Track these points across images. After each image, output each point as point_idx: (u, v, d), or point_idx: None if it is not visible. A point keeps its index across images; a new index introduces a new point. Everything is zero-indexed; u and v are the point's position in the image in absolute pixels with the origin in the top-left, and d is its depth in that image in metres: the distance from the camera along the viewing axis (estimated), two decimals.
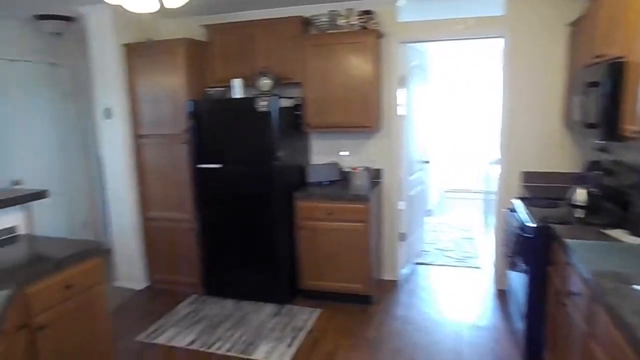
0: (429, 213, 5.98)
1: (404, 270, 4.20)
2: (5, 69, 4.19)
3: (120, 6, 2.07)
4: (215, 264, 3.76)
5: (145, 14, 3.45)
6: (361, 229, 3.48)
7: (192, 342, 3.08)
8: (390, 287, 3.93)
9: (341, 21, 3.60)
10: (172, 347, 3.02)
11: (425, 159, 4.85)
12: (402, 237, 4.11)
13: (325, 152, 4.07)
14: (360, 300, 3.59)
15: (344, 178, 3.92)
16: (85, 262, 2.22)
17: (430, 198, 6.13)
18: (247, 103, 3.45)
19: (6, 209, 2.50)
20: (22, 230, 2.60)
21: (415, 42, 3.91)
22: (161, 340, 3.12)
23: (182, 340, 3.11)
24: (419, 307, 3.56)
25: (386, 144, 3.91)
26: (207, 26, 3.87)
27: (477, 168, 6.82)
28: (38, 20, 3.97)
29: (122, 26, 3.75)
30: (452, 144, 7.18)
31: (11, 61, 4.24)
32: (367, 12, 3.56)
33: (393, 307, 3.57)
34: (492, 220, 4.19)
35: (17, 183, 4.22)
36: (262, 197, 3.52)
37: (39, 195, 2.65)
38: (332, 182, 3.87)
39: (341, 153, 4.01)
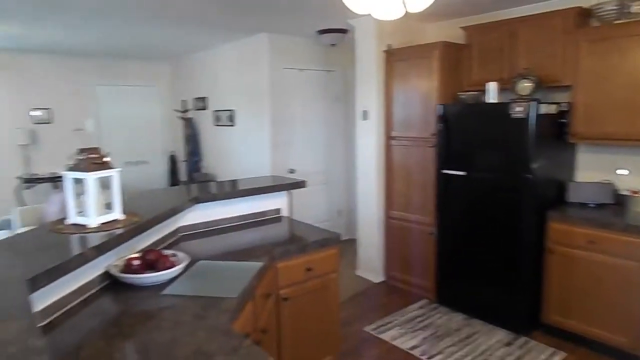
0: None
1: None
2: (295, 77, 5.06)
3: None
4: (450, 273, 3.63)
5: (406, 20, 3.57)
6: (636, 269, 2.76)
7: (414, 347, 3.07)
8: None
9: (637, 7, 2.90)
10: (393, 347, 3.09)
11: None
12: None
13: (595, 169, 3.38)
14: (623, 358, 2.87)
15: (618, 202, 3.18)
16: (325, 250, 2.48)
17: None
18: (500, 108, 3.19)
19: (275, 193, 3.02)
20: (284, 213, 3.09)
21: None
22: (385, 336, 3.22)
23: (405, 342, 3.13)
24: None
25: None
26: (466, 27, 3.74)
27: None
28: (319, 35, 4.62)
29: (385, 33, 3.99)
30: None
31: (300, 70, 5.09)
32: None
33: None
34: None
35: (291, 171, 5.07)
36: (509, 212, 3.20)
37: (299, 184, 3.09)
38: (600, 205, 3.19)
39: (618, 171, 3.27)
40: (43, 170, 6.07)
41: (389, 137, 4.10)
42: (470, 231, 3.45)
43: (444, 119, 3.52)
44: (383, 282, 4.27)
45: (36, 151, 6.08)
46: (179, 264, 1.90)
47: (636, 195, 3.00)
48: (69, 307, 1.60)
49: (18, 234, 1.87)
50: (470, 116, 3.41)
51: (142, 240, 2.11)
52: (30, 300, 1.17)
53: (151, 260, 1.89)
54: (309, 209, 5.15)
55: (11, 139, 5.81)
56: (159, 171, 7.03)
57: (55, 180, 6.00)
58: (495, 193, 3.27)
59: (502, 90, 3.39)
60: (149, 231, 2.10)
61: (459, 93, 3.69)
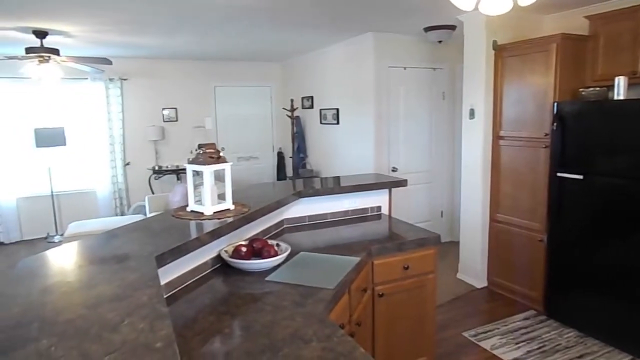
0: None
1: None
2: (400, 75, 5.04)
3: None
4: (562, 285, 3.35)
5: (519, 12, 3.37)
6: None
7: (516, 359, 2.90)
8: None
9: None
10: (493, 356, 2.94)
11: None
12: None
13: None
14: None
15: None
16: (423, 250, 2.46)
17: None
18: (631, 106, 2.86)
19: (376, 191, 3.06)
20: (384, 211, 3.12)
21: None
22: (485, 344, 3.09)
23: (506, 353, 2.97)
24: None
25: None
26: (591, 17, 3.39)
27: None
28: (426, 32, 4.53)
29: (496, 28, 3.79)
30: None
31: (404, 68, 5.05)
32: None
33: None
34: None
35: (394, 170, 5.06)
36: (639, 220, 2.86)
37: (401, 183, 3.09)
38: None
39: None
40: (168, 163, 6.82)
41: (497, 137, 3.89)
42: (589, 240, 3.15)
43: (560, 117, 3.25)
44: (485, 287, 4.08)
45: (164, 146, 6.84)
46: (282, 254, 2.04)
47: None
48: (186, 284, 1.81)
49: (149, 217, 2.15)
50: (592, 114, 3.10)
51: (250, 229, 2.29)
52: (158, 273, 1.36)
53: (257, 248, 2.06)
54: (411, 208, 5.10)
55: (145, 135, 6.61)
56: (267, 166, 7.47)
57: (178, 173, 6.71)
58: (621, 199, 2.94)
59: (633, 85, 3.04)
60: (256, 221, 2.28)
61: (580, 89, 3.38)
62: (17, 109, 5.96)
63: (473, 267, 4.18)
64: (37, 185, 6.18)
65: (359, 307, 2.11)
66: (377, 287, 2.32)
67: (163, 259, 1.54)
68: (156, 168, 6.67)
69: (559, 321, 3.38)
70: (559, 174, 3.30)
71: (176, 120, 6.87)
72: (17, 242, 6.04)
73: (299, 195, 2.70)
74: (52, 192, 6.07)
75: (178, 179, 6.79)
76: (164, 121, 6.80)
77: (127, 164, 6.67)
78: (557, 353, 2.97)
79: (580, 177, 3.14)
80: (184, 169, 6.60)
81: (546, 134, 3.41)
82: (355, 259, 2.10)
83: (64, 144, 5.87)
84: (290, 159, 6.92)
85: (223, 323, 1.48)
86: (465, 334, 3.23)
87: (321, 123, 6.13)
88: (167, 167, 6.75)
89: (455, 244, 4.91)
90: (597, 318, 3.12)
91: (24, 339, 0.94)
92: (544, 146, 3.45)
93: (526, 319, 3.47)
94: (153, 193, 6.49)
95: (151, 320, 1.02)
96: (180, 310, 1.59)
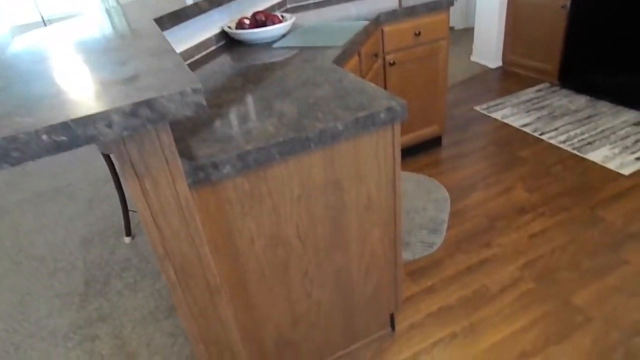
0: None
1: None
2: None
3: None
4: (580, 54, 3.24)
5: None
6: None
7: (525, 125, 2.99)
8: None
9: None
10: (503, 124, 3.04)
11: None
12: None
13: None
14: None
15: None
16: (434, 14, 2.33)
17: None
18: None
19: None
20: None
21: None
22: (495, 115, 3.16)
23: (516, 120, 3.06)
24: None
25: None
26: None
27: None
28: None
29: None
30: None
31: None
32: None
33: None
34: None
35: None
36: None
37: None
38: None
39: None
40: None
41: None
42: (620, 7, 2.91)
43: None
44: (499, 67, 4.01)
45: None
46: (287, 21, 1.95)
47: None
48: (193, 59, 1.79)
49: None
50: None
51: (250, 7, 2.16)
52: (158, 28, 1.31)
53: (261, 20, 1.97)
54: None
55: None
56: None
57: None
58: None
59: None
60: None
61: None
62: None
63: (488, 48, 4.04)
64: (25, 12, 5.83)
65: (369, 73, 2.10)
66: (387, 56, 2.28)
67: (162, 23, 1.49)
68: None
69: (571, 90, 3.39)
70: None
71: None
72: None
73: None
74: (42, 18, 5.74)
75: None
76: None
77: None
78: (566, 117, 3.04)
79: None
80: None
81: None
82: (364, 22, 2.01)
83: None
84: None
85: (235, 82, 1.50)
86: (477, 108, 3.29)
87: None
88: None
89: (469, 30, 4.69)
90: (609, 83, 3.10)
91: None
92: None
93: (539, 90, 3.47)
94: None
95: (159, 54, 1.01)
96: None
